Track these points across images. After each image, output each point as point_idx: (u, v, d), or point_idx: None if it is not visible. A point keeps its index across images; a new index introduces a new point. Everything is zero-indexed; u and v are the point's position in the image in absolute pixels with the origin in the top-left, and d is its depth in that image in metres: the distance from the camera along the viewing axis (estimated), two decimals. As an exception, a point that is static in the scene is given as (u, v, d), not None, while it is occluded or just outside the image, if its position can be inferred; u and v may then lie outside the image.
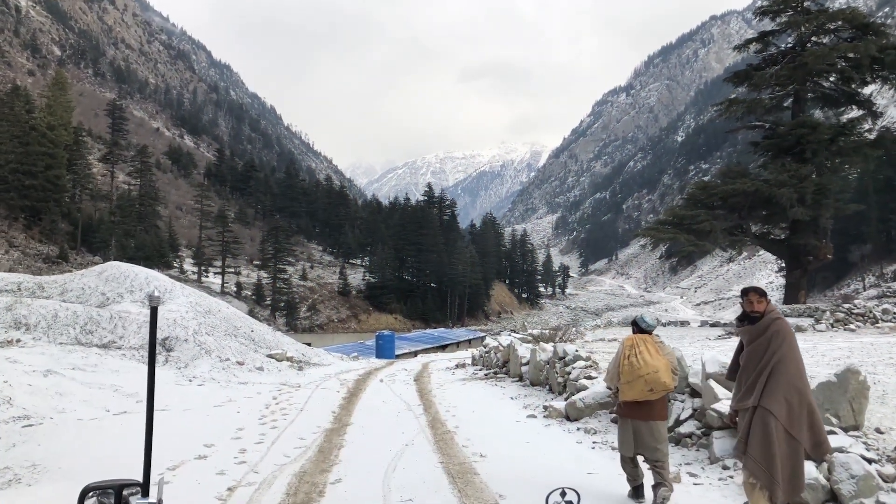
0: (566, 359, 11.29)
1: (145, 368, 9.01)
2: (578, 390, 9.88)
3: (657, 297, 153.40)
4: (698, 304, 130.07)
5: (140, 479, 2.06)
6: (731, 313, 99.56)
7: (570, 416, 9.29)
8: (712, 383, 6.88)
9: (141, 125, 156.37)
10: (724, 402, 6.56)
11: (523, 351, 14.15)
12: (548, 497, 2.66)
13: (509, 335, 19.70)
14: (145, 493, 2.01)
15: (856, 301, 25.31)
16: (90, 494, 1.98)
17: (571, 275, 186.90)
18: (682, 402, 7.56)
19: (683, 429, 7.20)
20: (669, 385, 5.74)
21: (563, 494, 2.65)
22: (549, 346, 13.04)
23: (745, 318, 4.94)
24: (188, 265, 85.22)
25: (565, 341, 17.41)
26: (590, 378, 10.11)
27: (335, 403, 11.78)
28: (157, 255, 74.99)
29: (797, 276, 32.06)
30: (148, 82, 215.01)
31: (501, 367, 15.89)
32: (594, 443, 7.95)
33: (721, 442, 6.50)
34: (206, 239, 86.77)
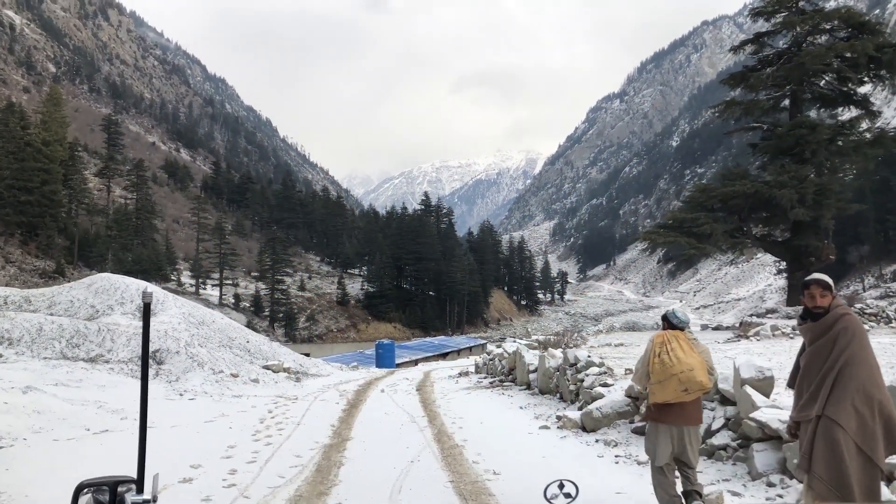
0: (578, 365, 10.63)
1: (134, 382, 8.36)
2: (594, 399, 9.24)
3: (656, 302, 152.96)
4: (698, 308, 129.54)
5: (135, 475, 2.03)
6: (731, 316, 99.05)
7: (587, 426, 8.65)
8: (749, 390, 6.24)
9: (137, 140, 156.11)
10: (763, 410, 5.90)
11: (531, 358, 13.50)
12: (546, 490, 2.59)
13: (514, 342, 19.08)
14: (140, 490, 1.97)
15: (868, 301, 24.73)
16: (84, 491, 1.92)
17: (570, 281, 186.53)
18: (713, 410, 6.90)
19: (716, 440, 6.53)
20: (706, 384, 5.15)
21: (562, 486, 2.58)
22: (558, 353, 12.39)
23: (808, 315, 4.22)
24: (186, 278, 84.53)
25: (570, 347, 16.83)
26: (605, 385, 9.46)
27: (334, 416, 11.13)
28: (154, 269, 74.38)
29: (799, 277, 31.59)
30: (143, 97, 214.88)
31: (507, 374, 15.24)
32: (616, 457, 7.29)
33: (763, 456, 5.81)
34: (203, 251, 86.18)
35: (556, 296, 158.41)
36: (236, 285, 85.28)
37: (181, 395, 12.47)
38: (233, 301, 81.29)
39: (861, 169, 39.91)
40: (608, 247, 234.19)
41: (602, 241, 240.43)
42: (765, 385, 6.31)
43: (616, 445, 7.76)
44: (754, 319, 27.53)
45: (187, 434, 9.13)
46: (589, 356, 10.73)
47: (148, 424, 6.77)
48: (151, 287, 18.16)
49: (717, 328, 41.06)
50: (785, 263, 46.23)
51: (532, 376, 13.02)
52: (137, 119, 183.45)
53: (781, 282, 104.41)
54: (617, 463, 7.04)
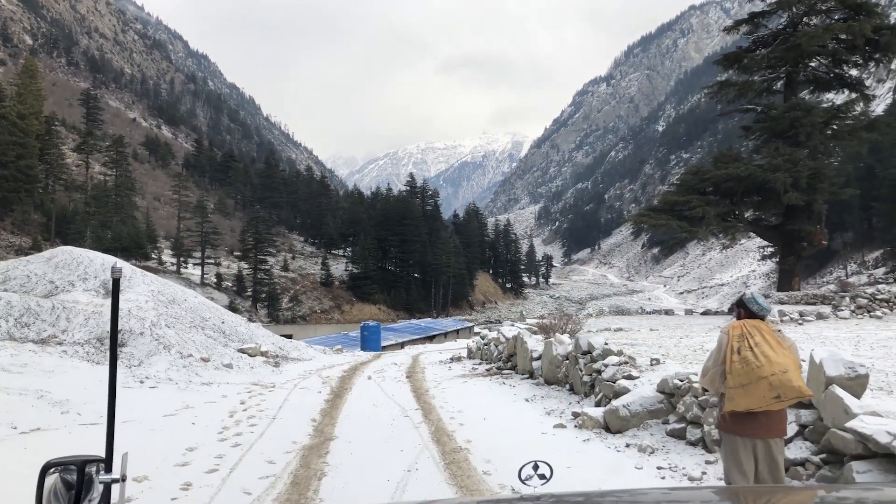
0: (593, 353, 9.34)
1: (88, 367, 6.78)
2: (616, 394, 7.99)
3: (640, 286, 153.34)
4: (681, 293, 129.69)
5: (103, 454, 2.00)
6: (715, 302, 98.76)
7: (612, 427, 7.40)
8: (839, 392, 4.97)
9: (117, 115, 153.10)
10: (863, 419, 4.58)
11: (534, 343, 12.21)
12: (520, 471, 2.48)
13: (512, 325, 17.84)
14: (108, 469, 1.91)
15: (879, 286, 23.86)
16: (51, 470, 1.88)
17: (554, 264, 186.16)
18: (778, 413, 5.68)
19: (790, 453, 5.25)
20: (804, 390, 3.98)
21: (536, 468, 2.50)
22: (566, 338, 11.17)
23: None
24: (167, 256, 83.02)
25: (568, 332, 15.62)
26: (630, 378, 8.18)
27: (316, 408, 9.82)
28: (134, 246, 72.83)
29: (791, 262, 31.28)
30: (123, 72, 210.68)
31: (506, 361, 13.97)
32: (659, 469, 6.01)
33: (868, 478, 4.45)
34: (184, 230, 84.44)
35: (541, 279, 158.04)
36: (218, 265, 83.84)
37: (141, 382, 11.05)
38: (215, 281, 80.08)
39: (853, 154, 39.45)
40: (593, 231, 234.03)
41: (587, 226, 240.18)
42: (856, 385, 5.04)
43: (653, 452, 6.50)
44: (747, 305, 27.03)
45: (140, 432, 7.69)
46: (606, 343, 9.42)
47: (94, 420, 5.47)
48: (118, 262, 16.72)
49: (705, 313, 40.09)
50: (772, 249, 45.88)
51: (535, 364, 11.73)
52: (117, 94, 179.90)
53: (765, 268, 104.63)
54: (663, 478, 5.76)
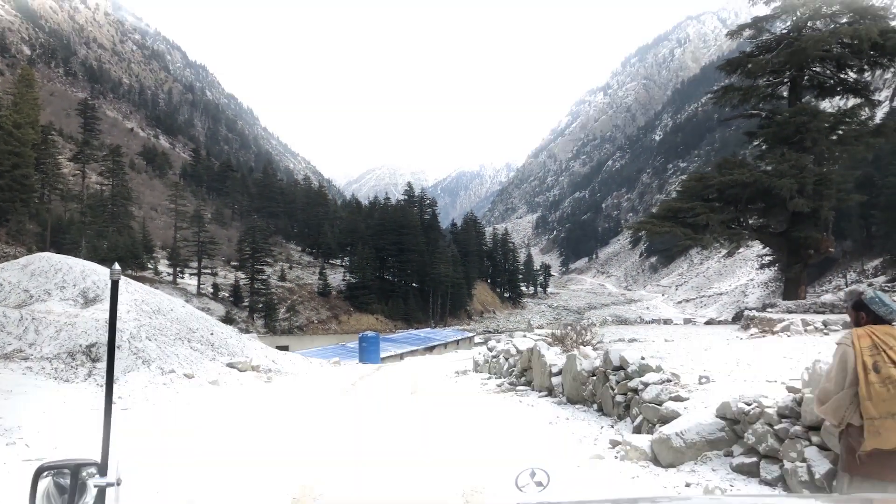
0: (628, 370, 8.24)
1: (54, 386, 5.78)
2: (663, 418, 6.90)
3: (638, 295, 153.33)
4: (680, 302, 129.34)
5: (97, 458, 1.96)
6: (714, 311, 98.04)
7: (662, 459, 6.25)
8: None
9: (114, 125, 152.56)
10: None
11: (552, 357, 11.16)
12: (517, 478, 2.54)
13: (524, 335, 16.89)
14: (103, 473, 1.89)
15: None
16: (44, 474, 1.85)
17: (552, 274, 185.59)
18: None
19: None
20: None
21: (533, 475, 2.53)
22: (590, 351, 10.25)
23: None
24: (163, 266, 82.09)
25: (584, 344, 14.71)
26: (679, 399, 7.05)
27: (307, 443, 8.63)
28: (130, 256, 71.86)
29: (797, 270, 30.48)
30: (121, 82, 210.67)
31: (519, 376, 12.97)
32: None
33: None
34: (181, 240, 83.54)
35: (539, 288, 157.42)
36: (215, 275, 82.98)
37: (113, 403, 9.83)
38: (211, 291, 79.22)
39: (855, 160, 38.98)
40: (591, 240, 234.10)
41: (585, 235, 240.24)
42: None
43: (723, 494, 5.20)
44: (755, 313, 25.99)
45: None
46: (643, 357, 8.34)
47: (49, 449, 4.47)
48: (99, 269, 15.77)
49: (709, 322, 39.22)
50: (772, 257, 45.33)
51: (555, 380, 10.63)
52: (115, 104, 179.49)
53: (763, 276, 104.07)
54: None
